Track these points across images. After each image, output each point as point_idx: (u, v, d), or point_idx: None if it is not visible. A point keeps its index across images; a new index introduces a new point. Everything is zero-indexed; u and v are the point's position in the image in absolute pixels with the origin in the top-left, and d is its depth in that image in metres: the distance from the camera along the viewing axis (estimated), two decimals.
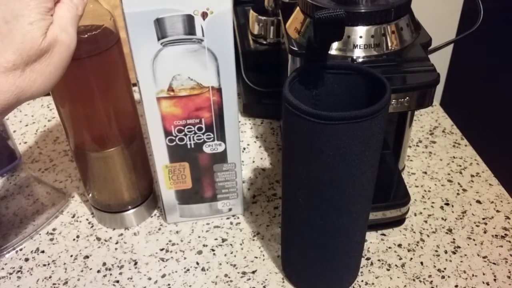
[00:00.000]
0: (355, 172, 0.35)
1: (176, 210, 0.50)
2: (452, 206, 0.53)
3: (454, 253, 0.47)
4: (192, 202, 0.50)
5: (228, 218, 0.52)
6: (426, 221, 0.51)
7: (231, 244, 0.49)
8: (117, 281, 0.46)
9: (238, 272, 0.46)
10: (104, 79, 0.42)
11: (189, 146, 0.46)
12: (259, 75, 0.64)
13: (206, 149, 0.46)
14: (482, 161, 0.58)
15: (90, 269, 0.47)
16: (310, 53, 0.38)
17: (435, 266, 0.46)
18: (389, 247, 0.48)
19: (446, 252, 0.48)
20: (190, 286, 0.45)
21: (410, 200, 0.49)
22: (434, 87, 0.42)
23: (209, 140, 0.46)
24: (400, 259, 0.47)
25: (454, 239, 0.49)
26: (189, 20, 0.39)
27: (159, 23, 0.38)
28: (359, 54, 0.42)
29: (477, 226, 0.50)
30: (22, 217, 0.52)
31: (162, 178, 0.48)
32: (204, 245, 0.49)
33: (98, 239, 0.50)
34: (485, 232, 0.49)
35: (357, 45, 0.42)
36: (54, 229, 0.52)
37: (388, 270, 0.46)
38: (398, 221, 0.50)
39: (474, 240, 0.49)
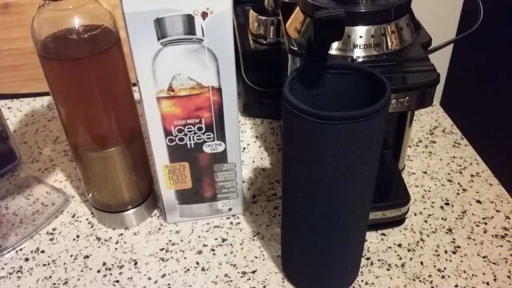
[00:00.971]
0: (355, 172, 0.35)
1: (176, 210, 0.50)
2: (452, 206, 0.53)
3: (454, 253, 0.47)
4: (192, 202, 0.50)
5: (228, 218, 0.52)
6: (426, 221, 0.51)
7: (231, 244, 0.49)
8: (117, 281, 0.46)
9: (238, 272, 0.46)
10: (104, 79, 0.42)
11: (189, 146, 0.46)
12: (259, 75, 0.65)
13: (206, 149, 0.46)
14: (482, 161, 0.58)
15: (90, 269, 0.47)
16: (310, 53, 0.38)
17: (435, 266, 0.46)
18: (389, 247, 0.48)
19: (446, 252, 0.48)
20: (190, 286, 0.45)
21: (410, 200, 0.49)
22: (434, 87, 0.42)
23: (209, 140, 0.46)
24: (400, 259, 0.47)
25: (454, 239, 0.49)
26: (189, 20, 0.39)
27: (159, 23, 0.38)
28: (359, 54, 0.42)
29: (477, 226, 0.50)
30: (22, 217, 0.52)
31: (162, 178, 0.48)
32: (204, 245, 0.49)
33: (98, 239, 0.50)
34: (485, 232, 0.49)
35: (357, 45, 0.42)
36: (54, 229, 0.52)
37: (388, 270, 0.46)
38: (398, 221, 0.50)
39: (474, 240, 0.49)
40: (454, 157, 0.59)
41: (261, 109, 0.66)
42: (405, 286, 0.45)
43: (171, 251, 0.49)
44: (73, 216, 0.53)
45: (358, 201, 0.38)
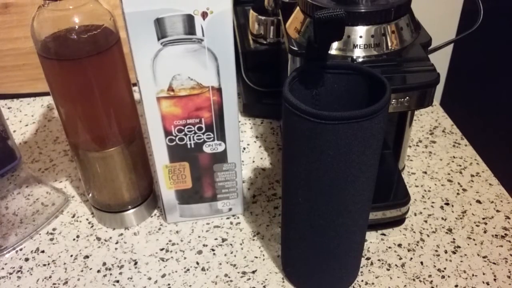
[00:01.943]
0: (355, 172, 0.35)
1: (176, 210, 0.50)
2: (452, 206, 0.53)
3: (454, 253, 0.47)
4: (192, 202, 0.50)
5: (228, 218, 0.52)
6: (426, 221, 0.51)
7: (231, 244, 0.49)
8: (117, 281, 0.46)
9: (238, 272, 0.46)
10: (104, 79, 0.42)
11: (189, 146, 0.46)
12: (259, 75, 0.65)
13: (206, 149, 0.46)
14: (482, 161, 0.58)
15: (90, 269, 0.47)
16: (310, 53, 0.38)
17: (435, 266, 0.46)
18: (389, 247, 0.48)
19: (446, 252, 0.48)
20: (190, 286, 0.45)
21: (410, 200, 0.49)
22: (434, 87, 0.42)
23: (209, 140, 0.46)
24: (400, 259, 0.47)
25: (454, 239, 0.49)
26: (189, 20, 0.39)
27: (159, 23, 0.38)
28: (359, 54, 0.42)
29: (477, 226, 0.50)
30: (22, 217, 0.52)
31: (162, 178, 0.48)
32: (204, 245, 0.49)
33: (98, 239, 0.50)
34: (485, 232, 0.49)
35: (357, 45, 0.42)
36: (54, 229, 0.52)
37: (388, 270, 0.46)
38: (398, 221, 0.50)
39: (474, 240, 0.49)
40: (454, 157, 0.59)
41: (261, 109, 0.66)
42: (405, 286, 0.45)
43: (171, 251, 0.49)
44: (73, 216, 0.53)
45: (358, 201, 0.38)
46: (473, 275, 0.45)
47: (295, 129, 0.35)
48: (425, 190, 0.55)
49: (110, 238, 0.50)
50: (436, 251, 0.48)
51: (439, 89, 1.01)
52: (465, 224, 0.50)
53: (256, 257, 0.48)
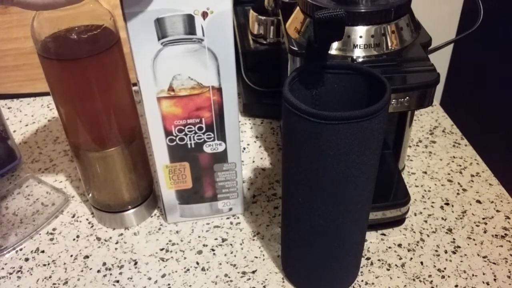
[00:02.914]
0: (355, 172, 0.35)
1: (176, 210, 0.50)
2: (452, 206, 0.53)
3: (454, 253, 0.47)
4: (192, 202, 0.50)
5: (228, 218, 0.52)
6: (426, 221, 0.51)
7: (231, 244, 0.49)
8: (117, 281, 0.46)
9: (238, 272, 0.46)
10: (104, 79, 0.42)
11: (189, 146, 0.46)
12: (259, 75, 0.65)
13: (207, 149, 0.46)
14: (482, 161, 0.58)
15: (90, 269, 0.47)
16: (310, 53, 0.38)
17: (435, 266, 0.46)
18: (389, 247, 0.48)
19: (446, 252, 0.48)
20: (190, 286, 0.45)
21: (410, 200, 0.49)
22: (434, 87, 0.42)
23: (209, 140, 0.46)
24: (400, 259, 0.47)
25: (454, 239, 0.49)
26: (189, 20, 0.39)
27: (159, 23, 0.38)
28: (359, 54, 0.42)
29: (477, 226, 0.50)
30: (22, 217, 0.52)
31: (162, 178, 0.48)
32: (204, 245, 0.49)
33: (98, 239, 0.50)
34: (485, 232, 0.49)
35: (357, 45, 0.42)
36: (54, 229, 0.52)
37: (388, 270, 0.46)
38: (398, 221, 0.50)
39: (474, 240, 0.49)
40: (454, 157, 0.59)
41: (261, 109, 0.66)
42: (405, 286, 0.45)
43: (171, 251, 0.49)
44: (73, 216, 0.53)
45: (358, 201, 0.38)
46: (473, 275, 0.45)
47: (295, 129, 0.35)
48: (425, 190, 0.55)
49: (110, 238, 0.50)
50: (436, 251, 0.48)
51: (439, 89, 1.01)
52: (465, 224, 0.50)
53: (256, 257, 0.48)
